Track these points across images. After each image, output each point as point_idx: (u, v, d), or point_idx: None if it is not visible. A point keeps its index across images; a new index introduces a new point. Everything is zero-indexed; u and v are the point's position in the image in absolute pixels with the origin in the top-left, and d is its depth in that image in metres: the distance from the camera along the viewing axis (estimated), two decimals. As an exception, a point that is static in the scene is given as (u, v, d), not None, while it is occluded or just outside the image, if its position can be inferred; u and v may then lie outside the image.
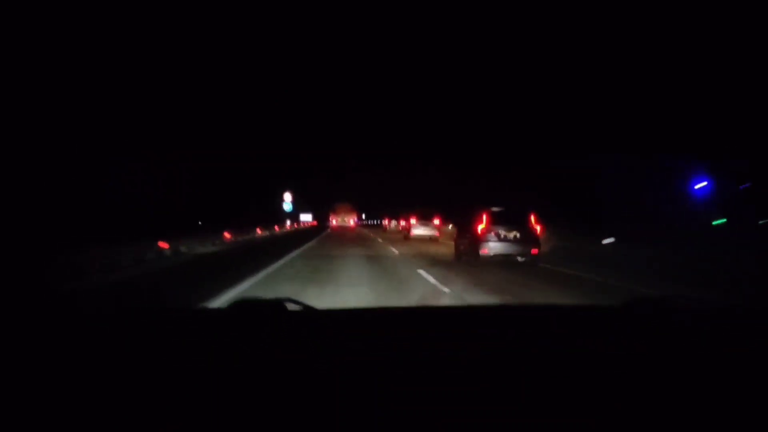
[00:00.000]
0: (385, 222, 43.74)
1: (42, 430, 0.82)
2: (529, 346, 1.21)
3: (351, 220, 48.17)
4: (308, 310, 1.45)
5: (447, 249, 15.83)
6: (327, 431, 0.83)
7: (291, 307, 1.39)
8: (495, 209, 11.27)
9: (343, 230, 39.14)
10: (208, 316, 1.71)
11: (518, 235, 10.89)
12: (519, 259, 11.17)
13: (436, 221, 23.97)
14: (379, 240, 23.63)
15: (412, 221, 23.86)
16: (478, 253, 10.92)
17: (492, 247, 10.85)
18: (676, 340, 1.23)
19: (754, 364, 1.08)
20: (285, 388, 0.94)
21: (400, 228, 31.67)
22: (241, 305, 1.36)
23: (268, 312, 1.33)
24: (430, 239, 22.77)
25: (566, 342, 1.25)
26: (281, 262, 11.06)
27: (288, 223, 44.80)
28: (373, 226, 64.26)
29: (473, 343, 1.22)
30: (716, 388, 0.97)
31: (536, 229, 11.05)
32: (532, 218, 11.12)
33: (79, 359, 1.05)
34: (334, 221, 47.72)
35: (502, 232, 10.92)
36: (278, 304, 1.35)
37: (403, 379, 0.98)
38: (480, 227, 11.08)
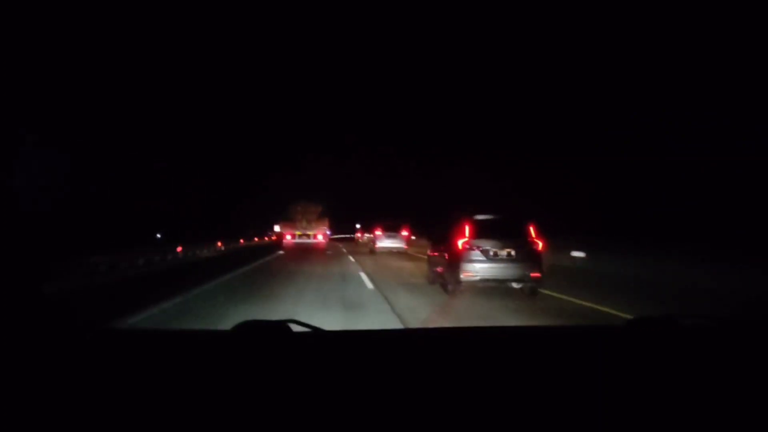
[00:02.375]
0: (358, 234, 36.76)
1: None
2: (535, 366, 1.21)
3: (319, 234, 27.81)
4: (314, 332, 1.44)
5: (415, 264, 14.85)
6: None
7: (296, 328, 1.38)
8: (481, 217, 8.26)
9: (303, 252, 22.40)
10: (213, 337, 1.55)
11: (513, 252, 7.90)
12: (515, 285, 8.19)
13: (405, 233, 22.52)
14: (343, 250, 22.69)
15: (377, 233, 22.29)
16: (458, 275, 7.90)
17: (477, 269, 7.81)
18: (682, 360, 1.21)
19: (762, 381, 1.08)
20: (290, 410, 0.95)
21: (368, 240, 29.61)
22: (246, 327, 1.34)
23: (273, 334, 1.33)
24: (399, 253, 21.26)
25: (570, 363, 1.24)
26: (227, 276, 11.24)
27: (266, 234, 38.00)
28: (343, 240, 56.87)
29: (482, 367, 1.21)
30: (723, 405, 0.98)
31: (537, 245, 8.06)
32: (532, 230, 8.13)
33: (80, 382, 1.03)
34: (287, 236, 27.90)
35: (492, 249, 7.89)
36: (282, 325, 1.34)
37: (410, 401, 0.99)
38: (460, 241, 8.04)
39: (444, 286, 8.53)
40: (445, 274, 8.54)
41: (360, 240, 35.61)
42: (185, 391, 1.02)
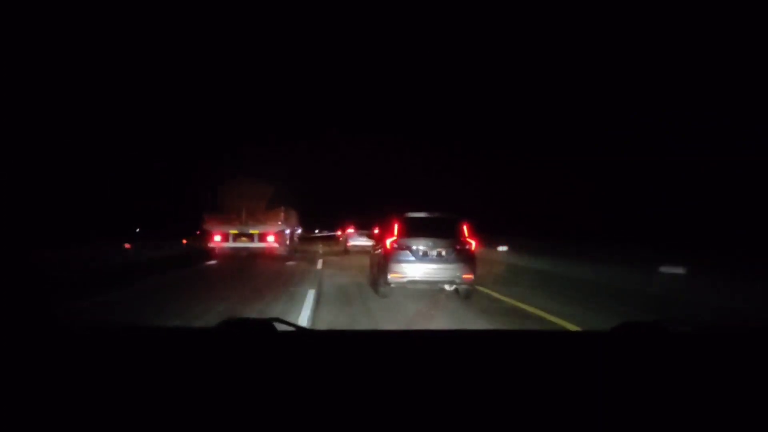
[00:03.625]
0: (339, 233, 33.39)
1: None
2: (522, 370, 1.21)
3: (269, 234, 16.48)
4: (298, 330, 1.45)
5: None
6: None
7: (280, 327, 1.38)
8: (411, 215, 7.87)
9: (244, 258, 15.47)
10: (195, 334, 1.58)
11: (444, 252, 7.49)
12: (446, 287, 7.79)
13: (376, 231, 21.96)
14: (319, 251, 21.42)
15: (350, 231, 22.59)
16: (386, 276, 7.50)
17: (406, 269, 7.44)
18: (669, 365, 1.22)
19: (748, 386, 1.09)
20: (273, 408, 0.94)
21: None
22: (229, 324, 1.34)
23: (256, 331, 1.32)
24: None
25: (557, 367, 1.23)
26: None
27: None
28: (326, 238, 50.79)
29: (465, 369, 1.21)
30: (710, 410, 0.98)
31: (470, 245, 7.64)
32: (465, 229, 7.72)
33: (61, 378, 1.03)
34: (216, 236, 16.33)
35: (422, 248, 7.51)
36: (266, 323, 1.34)
37: (395, 401, 0.99)
38: (389, 240, 7.68)
39: (375, 288, 8.17)
40: (376, 274, 8.19)
41: (340, 238, 34.94)
42: (168, 388, 1.01)
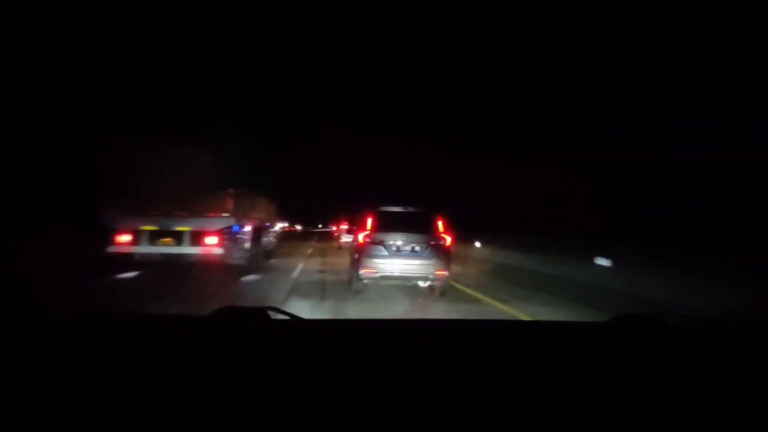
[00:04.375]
0: (334, 228, 32.75)
1: None
2: (518, 361, 1.20)
3: (209, 235, 9.20)
4: (292, 319, 1.43)
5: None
6: None
7: (274, 315, 1.38)
8: (385, 209, 7.73)
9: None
10: (189, 321, 1.51)
11: (418, 247, 7.33)
12: (420, 283, 7.61)
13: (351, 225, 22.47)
14: (307, 251, 19.69)
15: (342, 227, 22.71)
16: (358, 272, 7.35)
17: (378, 264, 7.29)
18: (667, 357, 1.22)
19: (747, 379, 1.10)
20: (266, 397, 0.94)
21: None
22: (223, 312, 1.33)
23: (251, 320, 1.31)
24: None
25: (555, 359, 1.23)
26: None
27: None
28: (321, 233, 49.83)
29: (462, 358, 1.20)
30: (708, 403, 0.99)
31: (445, 240, 7.47)
32: (440, 224, 7.54)
33: (51, 366, 1.02)
34: (122, 235, 9.09)
35: (395, 243, 7.34)
36: (261, 312, 1.34)
37: (388, 391, 0.98)
38: (361, 235, 7.53)
39: (349, 284, 8.00)
40: (350, 270, 8.02)
41: (335, 234, 33.89)
42: (161, 376, 1.00)
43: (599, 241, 9.68)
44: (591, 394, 1.01)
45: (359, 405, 0.93)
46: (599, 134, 22.19)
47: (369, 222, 7.54)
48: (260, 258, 11.87)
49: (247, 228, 10.64)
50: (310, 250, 19.97)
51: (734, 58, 17.37)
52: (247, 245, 10.40)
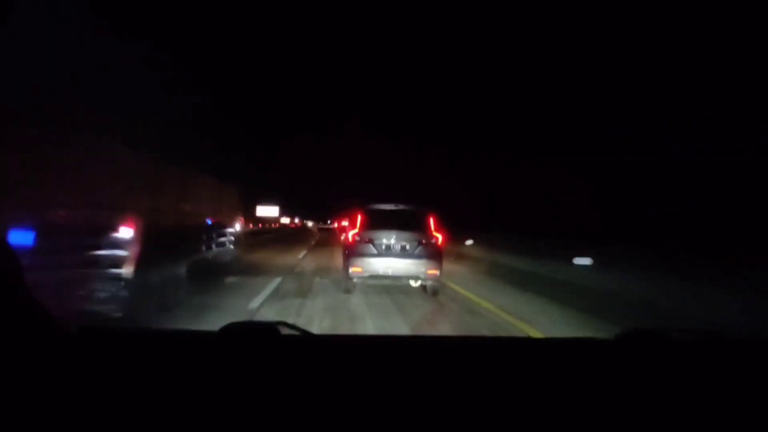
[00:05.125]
0: (335, 224, 33.02)
1: None
2: (525, 378, 1.21)
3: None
4: (303, 335, 1.42)
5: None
6: None
7: (285, 331, 1.36)
8: (375, 207, 7.61)
9: None
10: (198, 337, 1.51)
11: (409, 246, 7.20)
12: (412, 283, 7.48)
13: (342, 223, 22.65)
14: (298, 256, 15.97)
15: (344, 224, 21.95)
16: (347, 271, 7.22)
17: (368, 264, 7.16)
18: (672, 373, 1.22)
19: (752, 395, 1.10)
20: (277, 414, 0.94)
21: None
22: (233, 329, 1.32)
23: (261, 336, 1.32)
24: None
25: (559, 376, 1.24)
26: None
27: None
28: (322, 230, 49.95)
29: (470, 375, 1.21)
30: (714, 419, 0.99)
31: (437, 239, 7.34)
32: (432, 223, 7.41)
33: (61, 381, 1.00)
34: None
35: (385, 242, 7.21)
36: (271, 328, 1.33)
37: (400, 408, 0.98)
38: (351, 233, 7.41)
39: (344, 285, 7.85)
40: (341, 269, 7.90)
41: (337, 230, 33.99)
42: (170, 393, 1.00)
43: (593, 243, 10.21)
44: (594, 410, 1.02)
45: (370, 421, 0.93)
46: (599, 134, 22.12)
47: (359, 220, 7.42)
48: (176, 289, 5.87)
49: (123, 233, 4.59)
50: (302, 254, 15.61)
51: (734, 58, 17.28)
52: (123, 269, 4.51)
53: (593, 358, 1.44)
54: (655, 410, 1.03)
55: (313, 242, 23.50)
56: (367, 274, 7.18)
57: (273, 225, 50.76)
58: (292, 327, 1.42)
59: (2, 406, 0.89)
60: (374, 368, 1.22)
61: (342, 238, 10.35)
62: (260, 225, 44.54)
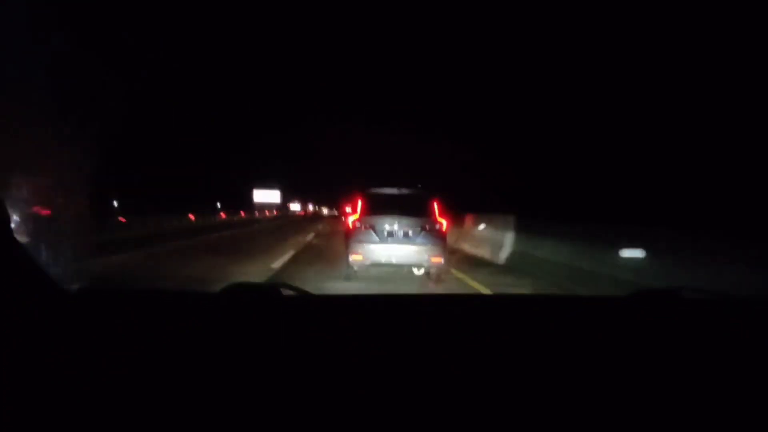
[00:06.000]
0: (335, 211, 31.63)
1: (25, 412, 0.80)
2: (537, 335, 1.20)
3: None
4: (304, 296, 1.44)
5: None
6: (321, 421, 0.82)
7: (286, 292, 1.37)
8: (376, 191, 7.27)
9: None
10: (199, 298, 1.54)
11: (411, 232, 6.86)
12: (415, 270, 7.16)
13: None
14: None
15: (347, 210, 21.59)
16: (348, 258, 6.91)
17: (369, 251, 6.83)
18: (684, 332, 1.22)
19: (763, 353, 1.09)
20: (277, 375, 0.93)
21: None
22: (235, 289, 1.34)
23: (262, 297, 1.33)
24: None
25: (573, 333, 1.22)
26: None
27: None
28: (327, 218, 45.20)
29: (476, 333, 1.19)
30: (725, 378, 0.98)
31: (441, 224, 7.00)
32: (436, 207, 7.06)
33: (64, 341, 1.02)
34: None
35: (386, 228, 6.88)
36: (273, 288, 1.34)
37: (401, 368, 0.97)
38: (351, 219, 7.08)
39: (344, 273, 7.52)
40: (345, 256, 7.58)
41: (344, 216, 33.15)
42: (171, 353, 1.00)
43: (630, 229, 7.66)
44: (611, 366, 1.01)
45: (371, 380, 0.92)
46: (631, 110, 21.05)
47: (359, 205, 7.08)
48: None
49: None
50: (288, 254, 10.61)
51: (734, 57, 16.56)
52: None
53: (605, 315, 1.43)
54: (667, 367, 1.02)
55: (312, 231, 19.39)
56: (368, 262, 6.85)
57: (269, 213, 42.23)
58: (293, 288, 1.42)
59: (4, 365, 0.88)
60: (375, 327, 1.21)
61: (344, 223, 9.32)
62: (256, 213, 38.71)
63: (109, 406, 0.83)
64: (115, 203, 18.67)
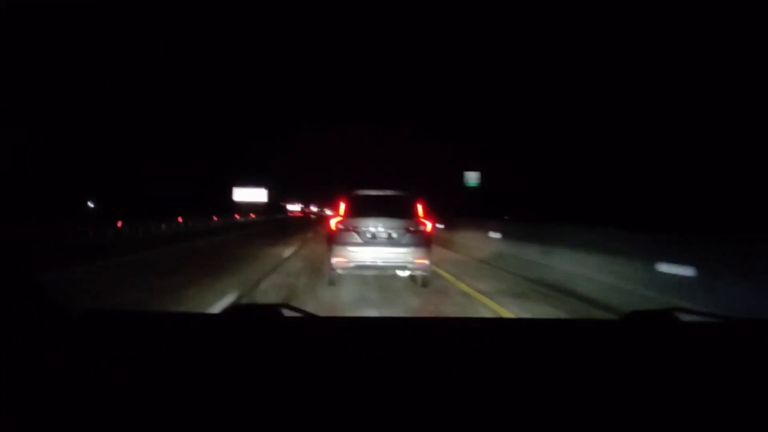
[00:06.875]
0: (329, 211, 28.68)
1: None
2: (530, 359, 1.21)
3: None
4: (306, 317, 1.44)
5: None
6: None
7: (288, 313, 1.38)
8: (360, 193, 7.16)
9: None
10: (200, 321, 1.58)
11: (396, 234, 6.76)
12: (399, 273, 7.05)
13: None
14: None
15: (323, 211, 21.11)
16: (331, 261, 6.78)
17: (352, 254, 6.72)
18: (680, 354, 1.22)
19: (761, 378, 1.09)
20: (280, 397, 0.94)
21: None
22: (235, 311, 1.36)
23: (264, 318, 1.33)
24: None
25: (566, 357, 1.23)
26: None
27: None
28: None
29: (475, 357, 1.20)
30: (723, 401, 0.98)
31: (425, 226, 6.89)
32: (420, 209, 6.96)
33: (63, 365, 1.02)
34: None
35: (370, 230, 6.76)
36: (274, 310, 1.35)
37: (404, 392, 0.97)
38: (334, 222, 6.94)
39: (329, 277, 7.37)
40: (326, 260, 7.44)
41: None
42: (173, 376, 1.00)
43: (666, 230, 6.34)
44: (603, 391, 1.01)
45: (373, 403, 0.93)
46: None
47: (342, 207, 6.95)
48: None
49: None
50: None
51: (734, 57, 16.59)
52: None
53: (597, 339, 1.42)
54: (661, 391, 1.02)
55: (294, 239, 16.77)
56: (351, 264, 6.74)
57: (254, 216, 35.01)
58: (295, 309, 1.42)
59: (8, 388, 0.90)
60: (378, 350, 1.21)
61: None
62: (236, 216, 31.36)
63: (110, 428, 0.84)
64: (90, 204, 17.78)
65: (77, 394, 0.91)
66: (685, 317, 1.42)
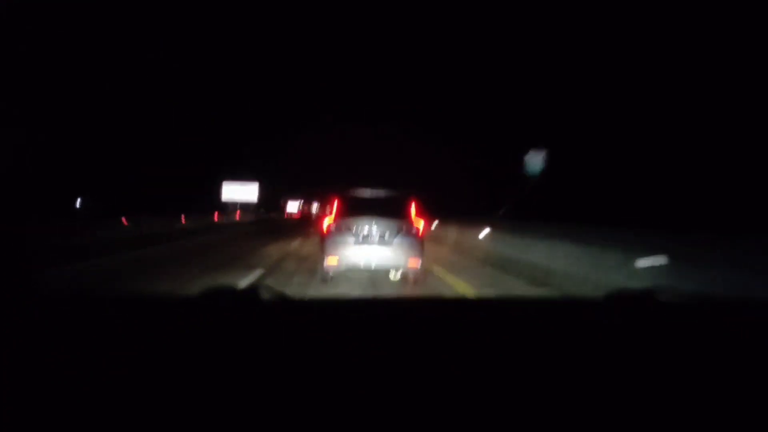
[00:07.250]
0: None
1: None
2: (515, 337, 1.21)
3: None
4: (283, 299, 1.43)
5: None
6: (301, 427, 0.82)
7: (265, 295, 1.37)
8: (353, 193, 7.13)
9: None
10: (177, 302, 1.55)
11: (388, 234, 6.73)
12: (391, 274, 7.03)
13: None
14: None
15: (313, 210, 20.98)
16: (322, 261, 6.77)
17: (344, 254, 6.69)
18: (662, 333, 1.23)
19: (741, 356, 1.09)
20: (257, 380, 0.93)
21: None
22: (213, 292, 1.33)
23: (241, 300, 1.31)
24: None
25: (551, 335, 1.23)
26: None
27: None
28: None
29: (458, 335, 1.20)
30: (705, 380, 0.99)
31: (419, 226, 6.87)
32: (413, 208, 6.94)
33: (37, 346, 1.01)
34: None
35: (362, 230, 6.74)
36: (251, 291, 1.34)
37: (382, 372, 0.97)
38: (326, 222, 6.92)
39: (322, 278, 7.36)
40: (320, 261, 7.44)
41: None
42: (149, 358, 0.98)
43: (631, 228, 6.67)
44: (586, 369, 1.01)
45: (353, 384, 0.92)
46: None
47: (334, 207, 6.94)
48: None
49: None
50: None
51: (734, 57, 16.45)
52: None
53: (581, 317, 1.42)
54: (642, 370, 1.02)
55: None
56: (343, 265, 6.72)
57: (240, 216, 29.58)
58: (272, 291, 1.41)
59: None
60: (356, 331, 1.21)
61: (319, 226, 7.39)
62: (216, 216, 25.22)
63: (92, 412, 0.83)
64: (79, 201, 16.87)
65: (57, 376, 0.90)
66: (666, 296, 1.45)
